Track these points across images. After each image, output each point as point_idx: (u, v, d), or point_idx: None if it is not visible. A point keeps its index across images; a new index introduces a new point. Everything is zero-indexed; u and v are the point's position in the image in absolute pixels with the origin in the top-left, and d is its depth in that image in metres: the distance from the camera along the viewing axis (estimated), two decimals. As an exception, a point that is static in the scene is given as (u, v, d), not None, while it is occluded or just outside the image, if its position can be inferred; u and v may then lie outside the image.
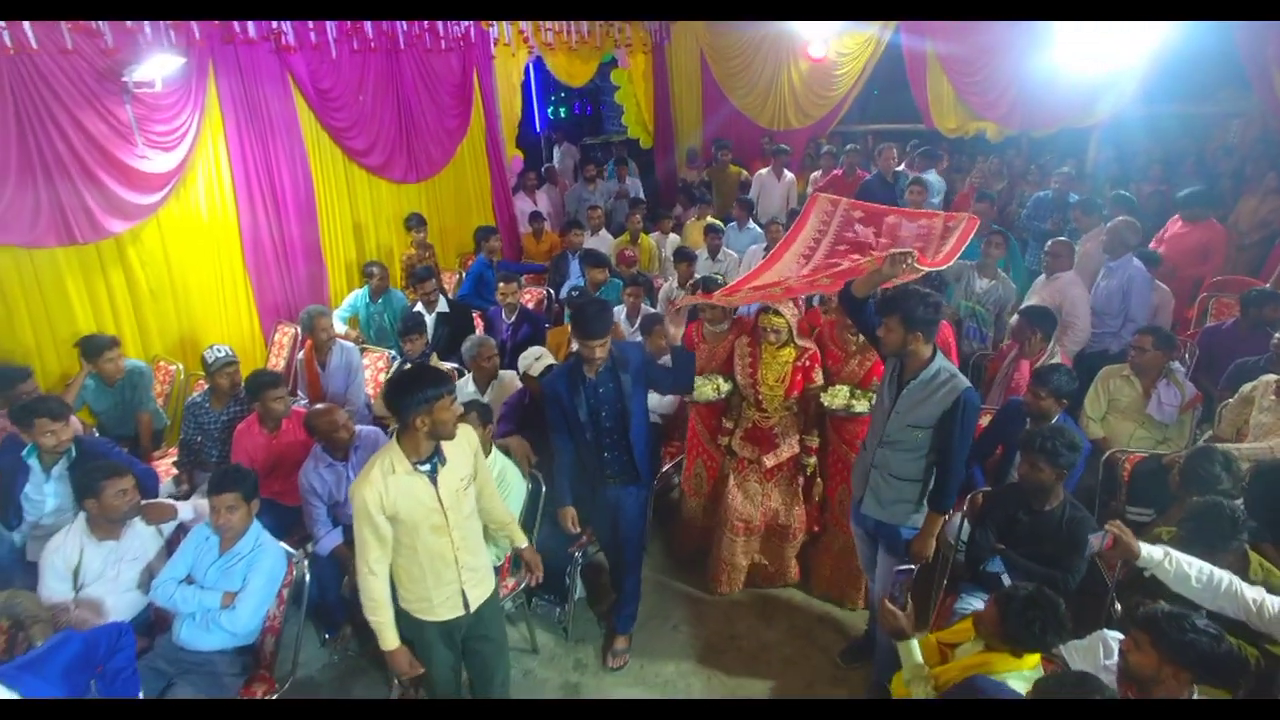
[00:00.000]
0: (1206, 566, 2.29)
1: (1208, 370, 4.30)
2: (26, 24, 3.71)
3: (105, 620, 2.72)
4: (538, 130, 10.99)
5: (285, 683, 2.88)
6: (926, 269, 2.66)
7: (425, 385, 2.26)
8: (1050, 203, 6.16)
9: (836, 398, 3.38)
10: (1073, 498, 2.86)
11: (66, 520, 3.01)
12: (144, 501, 2.97)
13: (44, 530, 3.18)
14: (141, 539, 2.94)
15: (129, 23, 4.19)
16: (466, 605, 2.56)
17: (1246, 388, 3.59)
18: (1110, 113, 6.83)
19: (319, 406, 3.38)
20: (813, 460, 3.60)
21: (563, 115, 12.05)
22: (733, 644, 3.56)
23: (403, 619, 2.51)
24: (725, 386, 3.59)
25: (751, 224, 6.63)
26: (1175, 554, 2.30)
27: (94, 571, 2.81)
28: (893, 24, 7.47)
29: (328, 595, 3.38)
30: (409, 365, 4.20)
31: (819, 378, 3.48)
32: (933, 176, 7.11)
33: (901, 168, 6.88)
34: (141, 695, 2.41)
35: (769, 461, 3.56)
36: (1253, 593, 2.25)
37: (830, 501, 3.66)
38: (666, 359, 3.79)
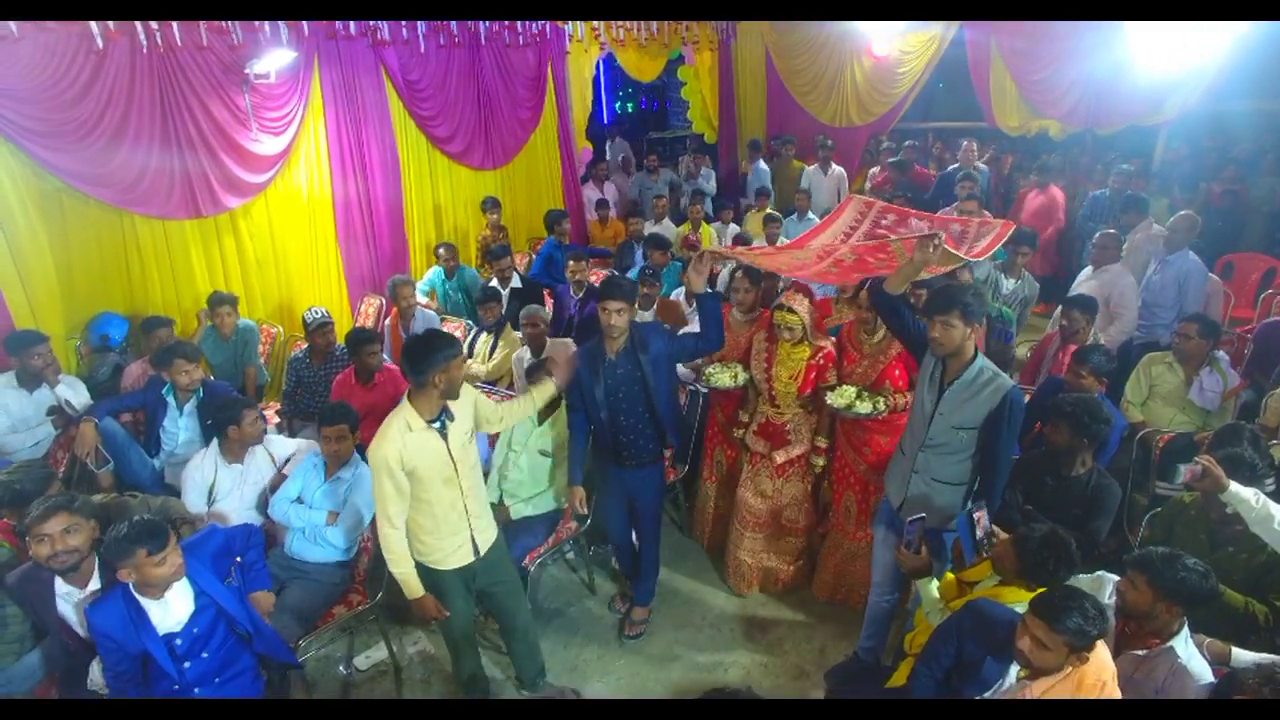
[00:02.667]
0: None
1: (1262, 364, 4.34)
2: (175, 25, 4.26)
3: (232, 530, 3.18)
4: (604, 123, 11.36)
5: (376, 597, 3.29)
6: (956, 254, 2.62)
7: (444, 346, 2.44)
8: (1108, 201, 6.17)
9: (841, 397, 3.28)
10: (1102, 468, 2.97)
11: (195, 450, 3.52)
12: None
13: (177, 459, 3.72)
14: (260, 466, 3.42)
15: (254, 22, 4.73)
16: (477, 551, 2.74)
17: (1294, 377, 3.67)
18: (1180, 109, 6.73)
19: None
20: (821, 460, 3.58)
21: (629, 110, 12.40)
22: (775, 599, 3.83)
23: (421, 572, 2.65)
24: (743, 375, 3.59)
25: (811, 214, 6.84)
26: (1264, 496, 2.38)
27: (224, 489, 3.30)
28: (956, 22, 7.52)
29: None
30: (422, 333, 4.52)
31: (832, 377, 3.42)
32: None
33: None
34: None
35: (779, 458, 3.56)
36: None
37: (835, 508, 3.61)
38: (690, 328, 3.90)
